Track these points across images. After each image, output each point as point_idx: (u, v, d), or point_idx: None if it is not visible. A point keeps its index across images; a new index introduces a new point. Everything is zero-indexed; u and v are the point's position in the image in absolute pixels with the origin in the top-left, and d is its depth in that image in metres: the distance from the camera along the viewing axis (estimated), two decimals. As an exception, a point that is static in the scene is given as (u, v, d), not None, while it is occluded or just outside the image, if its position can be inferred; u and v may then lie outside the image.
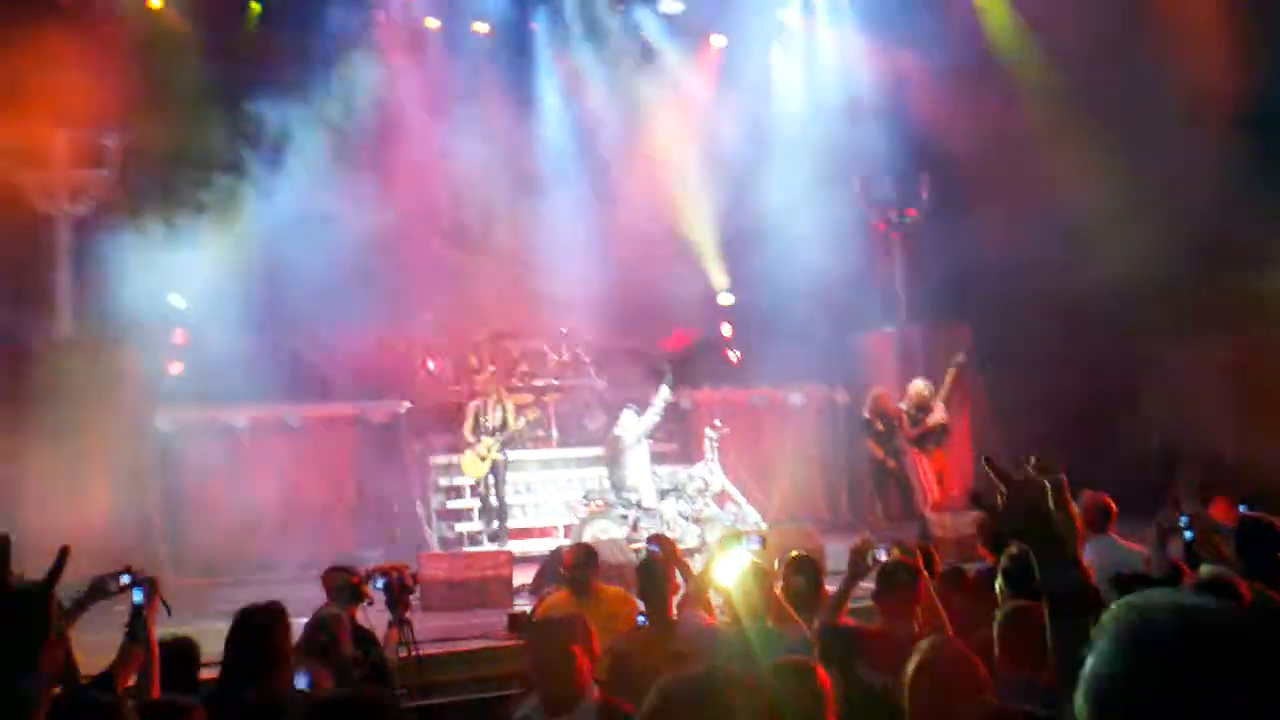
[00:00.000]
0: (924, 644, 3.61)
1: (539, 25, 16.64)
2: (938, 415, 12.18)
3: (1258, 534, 5.93)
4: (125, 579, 4.84)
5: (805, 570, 6.01)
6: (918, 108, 16.50)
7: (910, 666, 3.46)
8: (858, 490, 15.31)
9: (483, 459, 12.64)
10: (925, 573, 5.59)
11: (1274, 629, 1.45)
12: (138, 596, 4.51)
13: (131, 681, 4.60)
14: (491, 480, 12.72)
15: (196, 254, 14.34)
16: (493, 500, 12.79)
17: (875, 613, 5.56)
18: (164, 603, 5.02)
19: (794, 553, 6.61)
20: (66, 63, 13.47)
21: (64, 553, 2.31)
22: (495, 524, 12.78)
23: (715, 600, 6.01)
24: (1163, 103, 13.79)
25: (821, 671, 3.64)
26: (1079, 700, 1.46)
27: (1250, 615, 1.51)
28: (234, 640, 4.67)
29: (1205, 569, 4.89)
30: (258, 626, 4.69)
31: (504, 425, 12.74)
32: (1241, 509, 7.81)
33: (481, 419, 12.66)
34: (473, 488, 13.09)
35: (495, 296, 14.92)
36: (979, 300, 15.09)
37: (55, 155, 12.87)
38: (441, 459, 12.93)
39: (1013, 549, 5.88)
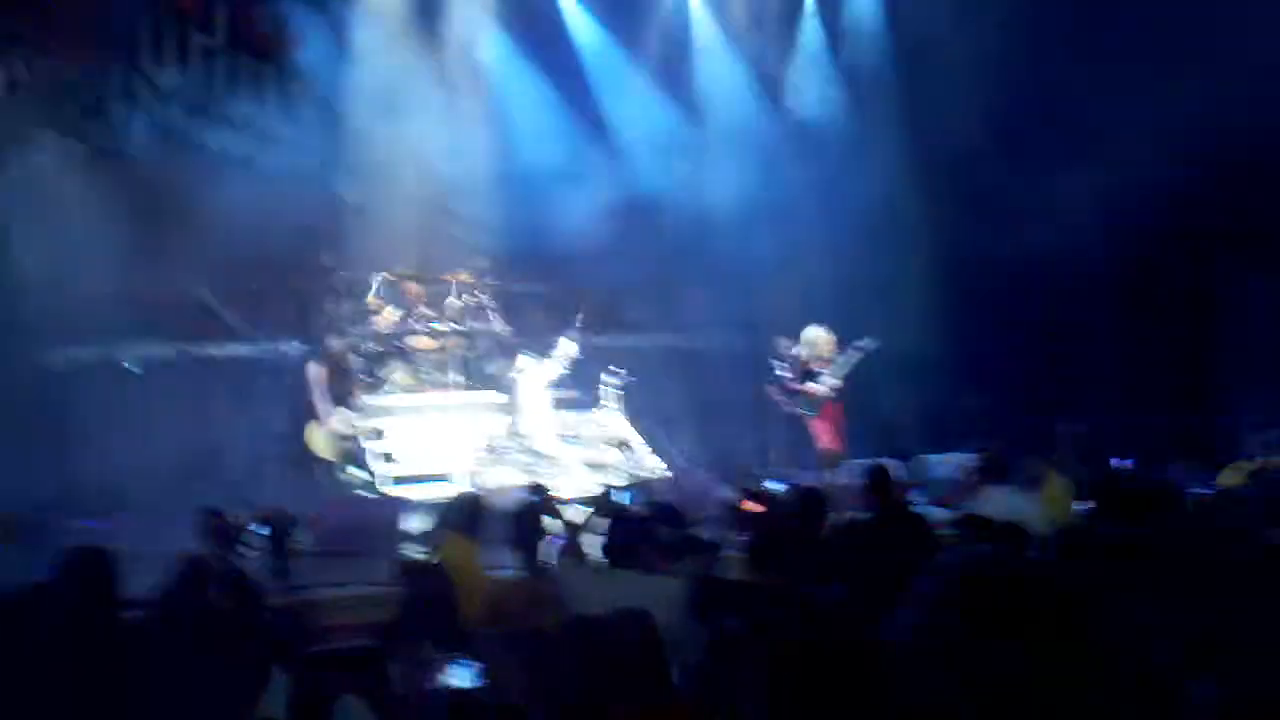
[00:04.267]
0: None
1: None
2: (822, 388, 12.16)
3: None
4: None
5: (671, 519, 6.01)
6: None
7: None
8: (763, 437, 15.39)
9: (344, 437, 11.60)
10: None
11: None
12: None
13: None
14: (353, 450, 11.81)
15: (91, 189, 14.00)
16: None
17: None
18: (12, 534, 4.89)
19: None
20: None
21: None
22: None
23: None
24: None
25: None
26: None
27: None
28: (60, 581, 4.55)
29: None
30: (81, 569, 4.58)
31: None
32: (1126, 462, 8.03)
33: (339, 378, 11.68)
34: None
35: (398, 237, 14.67)
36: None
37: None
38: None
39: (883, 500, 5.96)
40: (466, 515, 7.14)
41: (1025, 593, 1.42)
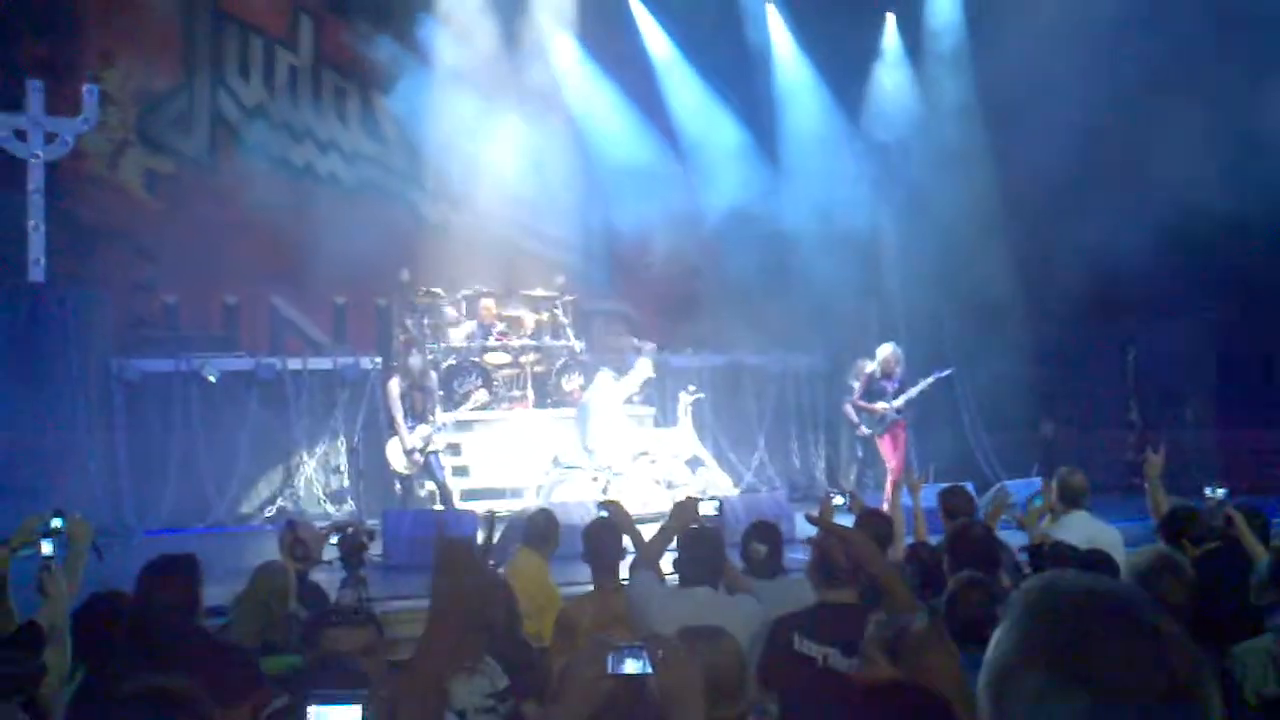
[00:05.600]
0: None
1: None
2: (883, 406, 12.09)
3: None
4: (56, 522, 4.74)
5: (766, 537, 5.93)
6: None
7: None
8: (835, 458, 15.31)
9: (422, 451, 11.74)
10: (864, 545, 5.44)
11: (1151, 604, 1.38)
12: (47, 548, 4.37)
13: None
14: (431, 464, 11.91)
15: (174, 204, 14.31)
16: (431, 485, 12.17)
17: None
18: (96, 548, 4.94)
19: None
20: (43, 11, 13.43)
21: None
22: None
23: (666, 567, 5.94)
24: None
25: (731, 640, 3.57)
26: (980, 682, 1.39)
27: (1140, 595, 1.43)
28: (143, 585, 4.57)
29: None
30: (167, 573, 4.59)
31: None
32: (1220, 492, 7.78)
33: (419, 395, 11.78)
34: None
35: (477, 254, 14.78)
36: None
37: (28, 102, 12.65)
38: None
39: (958, 522, 5.84)
40: (538, 530, 7.12)
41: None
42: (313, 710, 2.24)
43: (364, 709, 2.23)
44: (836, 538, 4.43)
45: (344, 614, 3.66)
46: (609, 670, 2.45)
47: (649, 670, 2.45)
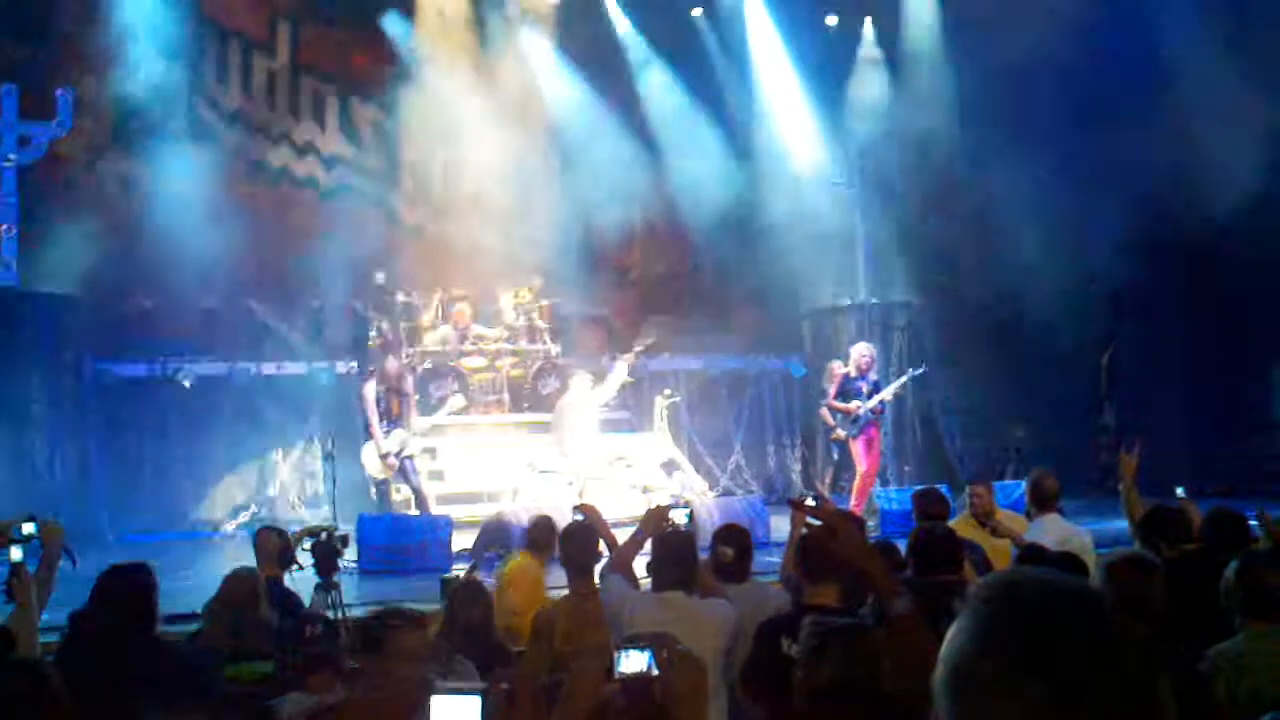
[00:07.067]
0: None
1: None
2: (855, 405, 12.13)
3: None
4: (29, 526, 4.70)
5: (733, 541, 5.93)
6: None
7: None
8: (811, 461, 15.33)
9: (396, 453, 11.47)
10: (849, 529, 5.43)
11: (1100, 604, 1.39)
12: (17, 554, 4.33)
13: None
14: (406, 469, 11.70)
15: (150, 208, 14.23)
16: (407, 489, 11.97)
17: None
18: (68, 552, 4.91)
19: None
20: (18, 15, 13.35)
21: None
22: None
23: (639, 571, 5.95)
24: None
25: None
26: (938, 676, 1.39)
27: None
28: (99, 599, 4.52)
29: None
30: (123, 586, 4.55)
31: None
32: (1180, 491, 7.84)
33: (394, 399, 11.56)
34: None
35: (454, 257, 14.76)
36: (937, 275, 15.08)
37: (1, 106, 12.60)
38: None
39: (922, 524, 5.86)
40: (538, 536, 7.11)
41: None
42: (436, 700, 2.39)
43: (483, 700, 2.37)
44: (824, 523, 4.43)
45: (403, 616, 3.58)
46: (615, 670, 2.44)
47: (654, 670, 2.45)
